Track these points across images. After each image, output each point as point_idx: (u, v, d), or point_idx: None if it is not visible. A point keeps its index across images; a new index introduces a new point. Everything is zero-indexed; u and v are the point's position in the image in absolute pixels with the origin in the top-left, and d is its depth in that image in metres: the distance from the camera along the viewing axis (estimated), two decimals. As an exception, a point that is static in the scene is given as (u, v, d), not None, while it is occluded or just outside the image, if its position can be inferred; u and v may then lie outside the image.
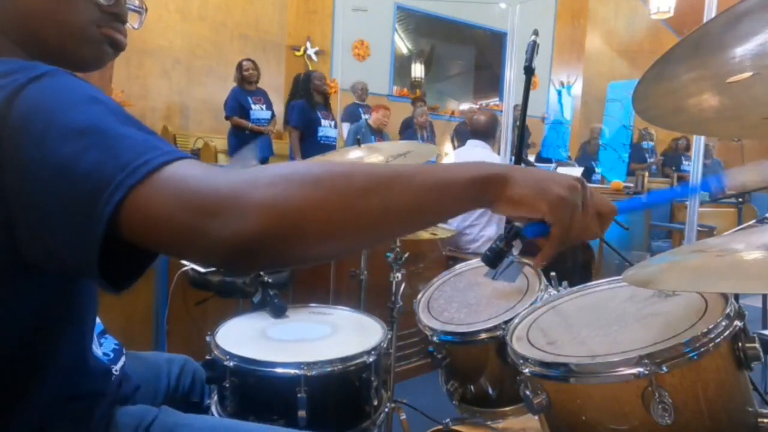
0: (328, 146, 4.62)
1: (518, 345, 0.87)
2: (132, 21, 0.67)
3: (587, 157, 6.12)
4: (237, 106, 4.71)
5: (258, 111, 4.77)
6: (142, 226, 0.44)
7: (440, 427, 1.13)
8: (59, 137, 0.45)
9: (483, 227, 2.88)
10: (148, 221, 0.44)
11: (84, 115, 0.47)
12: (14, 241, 0.47)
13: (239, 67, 4.79)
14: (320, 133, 4.69)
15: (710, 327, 0.70)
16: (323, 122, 4.69)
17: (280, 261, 0.47)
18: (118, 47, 0.64)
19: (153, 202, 0.43)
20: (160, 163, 0.45)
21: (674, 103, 0.79)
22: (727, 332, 0.70)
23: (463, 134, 6.34)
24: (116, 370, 0.77)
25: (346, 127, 5.29)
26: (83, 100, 0.48)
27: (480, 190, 0.54)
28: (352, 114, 5.52)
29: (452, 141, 6.82)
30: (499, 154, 3.16)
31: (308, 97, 4.71)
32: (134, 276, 0.50)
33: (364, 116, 5.44)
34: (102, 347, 0.79)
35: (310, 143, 4.65)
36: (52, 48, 0.60)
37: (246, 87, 4.79)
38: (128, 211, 0.43)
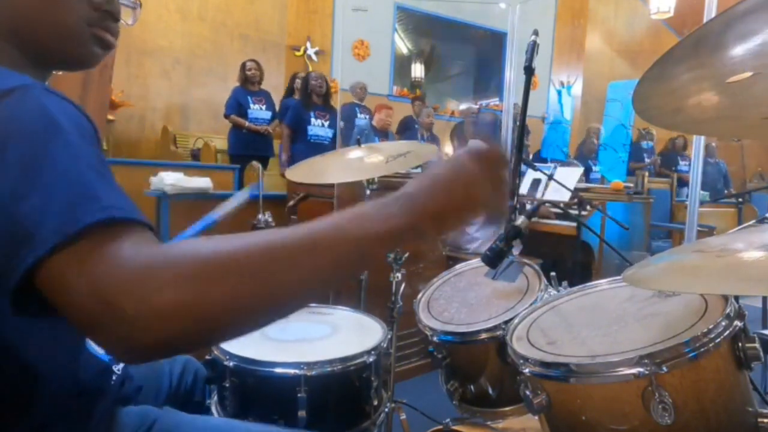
0: (319, 145, 4.62)
1: (518, 345, 0.87)
2: (126, 18, 0.66)
3: (584, 156, 6.12)
4: (236, 105, 4.74)
5: (256, 111, 4.78)
6: (51, 294, 0.42)
7: (440, 427, 1.13)
8: (7, 168, 0.44)
9: (480, 227, 2.88)
10: (57, 292, 0.42)
11: (36, 148, 0.45)
12: None
13: (243, 67, 4.82)
14: (310, 132, 4.70)
15: (710, 327, 0.70)
16: (314, 122, 4.70)
17: (195, 349, 0.46)
18: (107, 47, 0.64)
19: (65, 274, 0.41)
20: (90, 223, 0.42)
21: (674, 102, 0.79)
22: (727, 332, 0.70)
23: (461, 134, 6.33)
24: (118, 369, 0.77)
25: (341, 126, 5.27)
26: (42, 128, 0.46)
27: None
28: (348, 113, 5.50)
29: (452, 141, 6.81)
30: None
31: (305, 96, 4.71)
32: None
33: (360, 115, 5.43)
34: None
35: (300, 142, 4.66)
36: (43, 46, 0.59)
37: (248, 87, 4.81)
38: (45, 273, 0.41)
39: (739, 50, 0.66)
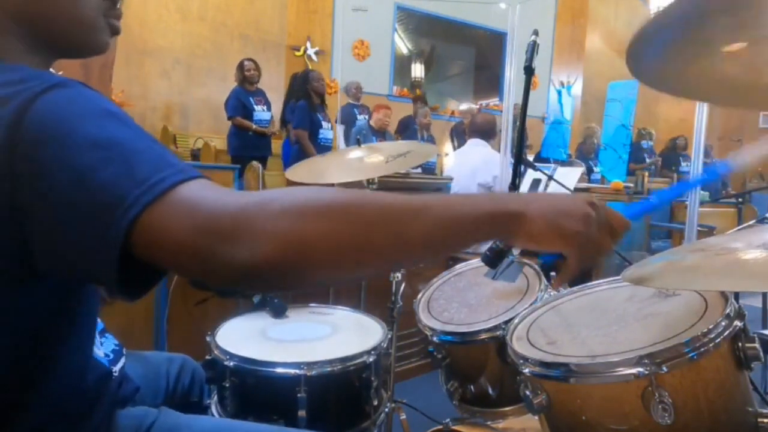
0: (327, 148, 4.60)
1: (518, 345, 0.87)
2: None
3: (584, 157, 6.12)
4: (239, 106, 4.68)
5: (261, 112, 4.75)
6: (153, 244, 0.45)
7: (440, 427, 1.13)
8: (77, 147, 0.46)
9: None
10: (159, 239, 0.44)
11: (100, 128, 0.48)
12: (26, 250, 0.47)
13: (240, 66, 4.77)
14: (321, 135, 4.65)
15: (710, 327, 0.70)
16: (324, 124, 4.68)
17: (288, 286, 0.49)
18: (115, 33, 0.66)
19: (167, 221, 0.44)
20: (176, 182, 0.45)
21: (673, 69, 0.76)
22: (727, 332, 0.70)
23: (460, 134, 6.34)
24: (116, 371, 0.77)
25: (340, 128, 5.26)
26: (98, 113, 0.49)
27: (494, 227, 0.55)
28: (347, 114, 5.49)
29: (452, 141, 6.82)
30: (499, 152, 3.16)
31: (308, 98, 4.68)
32: (147, 284, 0.50)
33: (360, 116, 5.42)
34: (102, 347, 0.78)
35: (312, 145, 4.64)
36: (59, 38, 0.60)
37: (247, 87, 4.78)
38: (142, 228, 0.44)
39: (729, 19, 0.64)
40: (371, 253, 0.49)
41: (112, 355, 0.79)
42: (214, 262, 0.44)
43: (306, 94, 4.66)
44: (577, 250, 0.58)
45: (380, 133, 5.05)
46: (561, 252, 0.59)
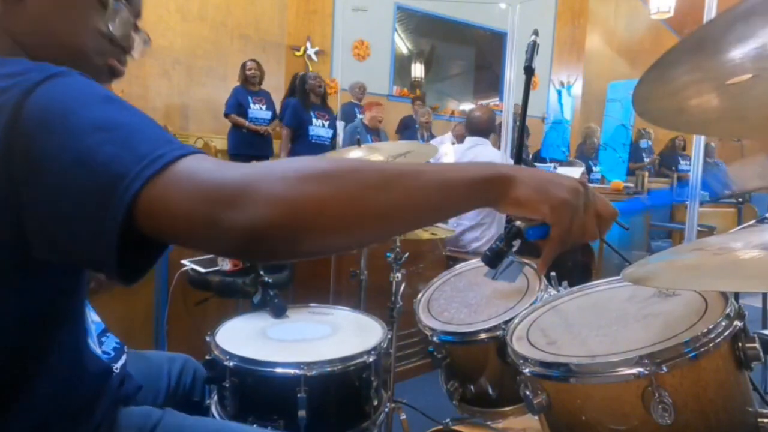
0: (320, 146, 4.64)
1: (518, 345, 0.87)
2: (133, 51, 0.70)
3: (584, 157, 6.13)
4: (236, 104, 4.76)
5: (257, 110, 4.79)
6: (157, 217, 0.45)
7: (440, 427, 1.13)
8: (77, 131, 0.46)
9: (488, 227, 2.90)
10: (163, 211, 0.45)
11: (100, 112, 0.48)
12: (22, 239, 0.48)
13: (243, 67, 4.84)
14: (311, 132, 4.72)
15: (710, 327, 0.70)
16: (315, 122, 4.72)
17: (290, 252, 0.48)
18: (116, 75, 0.67)
19: (169, 193, 0.45)
20: (176, 156, 0.46)
21: (676, 104, 0.79)
22: (727, 332, 0.70)
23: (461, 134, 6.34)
24: (117, 368, 0.77)
25: (340, 125, 5.29)
26: (98, 98, 0.50)
27: (485, 189, 0.56)
28: (347, 113, 5.52)
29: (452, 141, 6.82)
30: (499, 150, 3.16)
31: (303, 96, 4.72)
32: (142, 269, 0.50)
33: (360, 115, 5.44)
34: (103, 346, 0.78)
35: (301, 143, 4.70)
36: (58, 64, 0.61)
37: (249, 87, 4.82)
38: (145, 202, 0.44)
39: (738, 52, 0.66)
40: (371, 217, 0.49)
41: (113, 353, 0.79)
42: (217, 229, 0.44)
43: (302, 94, 4.71)
44: (562, 220, 0.59)
45: (374, 131, 5.06)
46: (546, 222, 0.60)
